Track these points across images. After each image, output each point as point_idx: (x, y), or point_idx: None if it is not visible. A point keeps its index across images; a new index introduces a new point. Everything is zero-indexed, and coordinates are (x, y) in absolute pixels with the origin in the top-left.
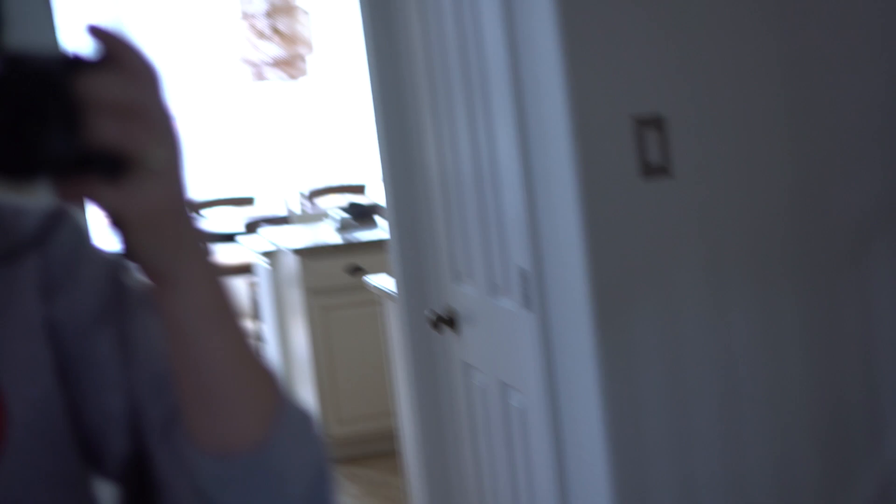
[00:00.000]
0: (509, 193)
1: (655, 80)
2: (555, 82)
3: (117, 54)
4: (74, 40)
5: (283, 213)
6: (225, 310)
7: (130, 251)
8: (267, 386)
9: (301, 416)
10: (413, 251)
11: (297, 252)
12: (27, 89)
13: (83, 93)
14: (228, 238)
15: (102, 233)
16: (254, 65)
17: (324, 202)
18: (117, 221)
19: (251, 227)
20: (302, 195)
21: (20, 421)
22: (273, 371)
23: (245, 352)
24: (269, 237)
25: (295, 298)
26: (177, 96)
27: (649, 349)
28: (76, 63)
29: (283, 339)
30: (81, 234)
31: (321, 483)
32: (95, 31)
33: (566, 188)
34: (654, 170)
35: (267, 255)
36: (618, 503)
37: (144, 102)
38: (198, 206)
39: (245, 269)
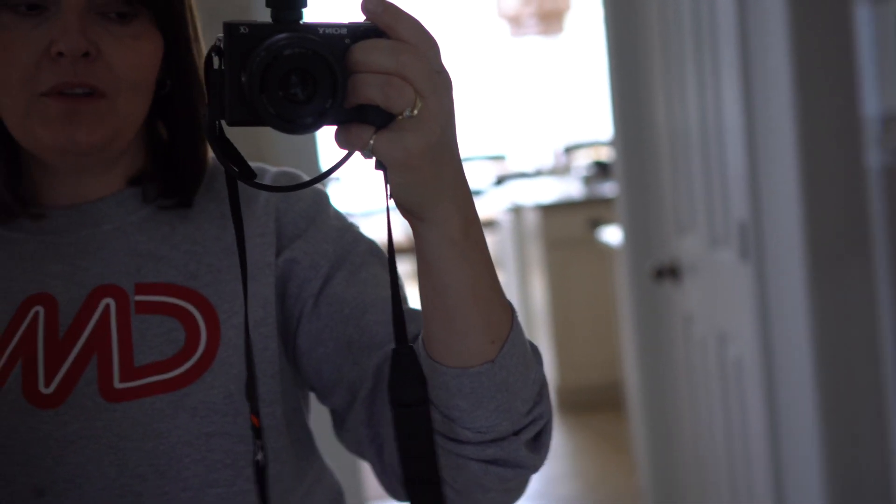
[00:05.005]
0: (732, 147)
1: None
2: (780, 36)
3: (389, 24)
4: (354, 14)
5: (532, 168)
6: (472, 243)
7: (390, 190)
8: (502, 313)
9: (528, 345)
10: (639, 204)
11: (539, 206)
12: (305, 60)
13: (352, 59)
14: (476, 193)
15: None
16: (512, 19)
17: (575, 158)
18: (379, 164)
19: (500, 182)
20: (553, 151)
21: (231, 344)
22: (508, 301)
23: (486, 281)
24: (516, 192)
25: (535, 251)
26: (444, 53)
27: (862, 303)
28: (352, 33)
29: (523, 290)
30: (322, 193)
31: (541, 404)
32: (369, 4)
33: (787, 141)
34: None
35: (512, 209)
36: (827, 452)
37: (406, 64)
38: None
39: (491, 223)
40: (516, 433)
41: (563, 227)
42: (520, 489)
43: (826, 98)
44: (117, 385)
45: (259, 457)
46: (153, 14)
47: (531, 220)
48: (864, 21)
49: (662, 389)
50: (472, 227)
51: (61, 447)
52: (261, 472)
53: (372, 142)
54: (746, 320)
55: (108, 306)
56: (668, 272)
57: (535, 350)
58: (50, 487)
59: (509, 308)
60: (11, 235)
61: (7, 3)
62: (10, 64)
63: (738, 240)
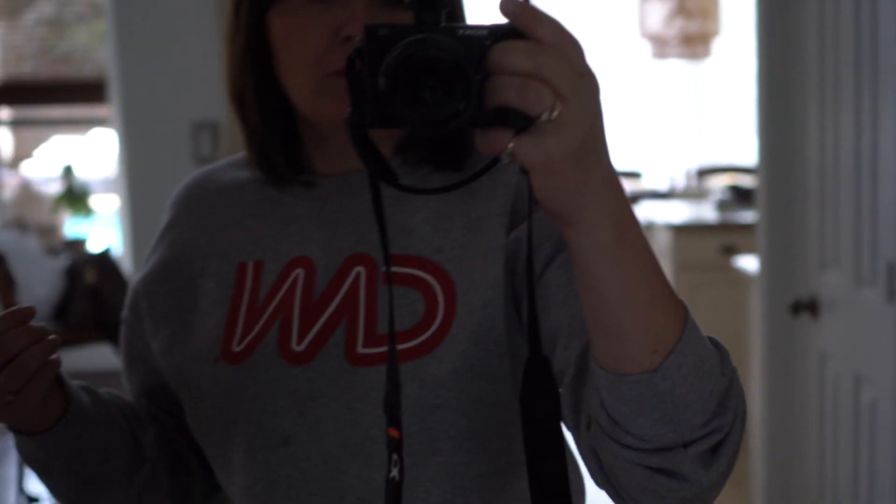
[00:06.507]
0: (885, 183)
1: None
2: None
3: (528, 26)
4: (493, 16)
5: (666, 188)
6: (628, 247)
7: (536, 195)
8: (669, 321)
9: (709, 351)
10: (781, 234)
11: (672, 227)
12: (437, 61)
13: (490, 61)
14: None
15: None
16: (659, 41)
17: (711, 182)
18: (523, 169)
19: (634, 200)
20: (689, 173)
21: (461, 322)
22: (681, 305)
23: (646, 288)
24: (648, 210)
25: (665, 271)
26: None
27: None
28: (493, 35)
29: None
30: None
31: (723, 415)
32: (508, 6)
33: None
34: None
35: (644, 226)
36: None
37: (544, 65)
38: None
39: None
40: (685, 445)
41: (695, 249)
42: (697, 501)
43: None
44: (360, 350)
45: (394, 473)
46: None
47: (663, 239)
48: None
49: (788, 426)
50: (628, 232)
51: (306, 402)
52: (395, 490)
53: (511, 145)
54: (886, 364)
55: (359, 274)
56: (807, 307)
57: (721, 353)
58: (293, 438)
59: (681, 314)
60: (284, 198)
61: None
62: (301, 46)
63: (886, 280)
